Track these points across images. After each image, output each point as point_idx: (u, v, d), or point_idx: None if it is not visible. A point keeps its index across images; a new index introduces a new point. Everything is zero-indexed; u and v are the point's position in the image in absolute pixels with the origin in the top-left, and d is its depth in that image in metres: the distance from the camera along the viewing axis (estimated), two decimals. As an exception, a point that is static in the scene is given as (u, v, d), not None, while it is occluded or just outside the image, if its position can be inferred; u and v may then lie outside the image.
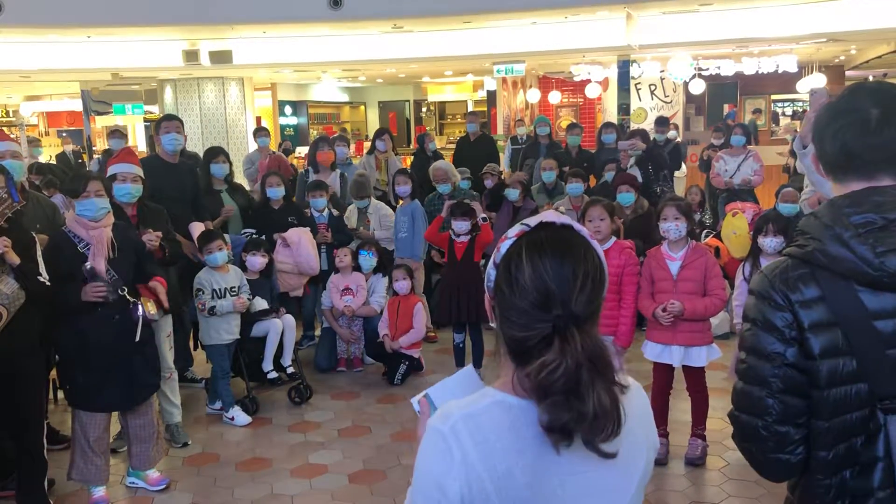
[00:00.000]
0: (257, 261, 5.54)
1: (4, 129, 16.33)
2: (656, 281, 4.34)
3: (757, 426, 1.52)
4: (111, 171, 4.50)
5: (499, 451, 1.20)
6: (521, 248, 1.27)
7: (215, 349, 5.15)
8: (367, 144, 10.01)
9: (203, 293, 5.04)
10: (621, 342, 4.44)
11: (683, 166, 10.60)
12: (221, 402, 5.18)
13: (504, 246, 1.29)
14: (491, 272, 1.30)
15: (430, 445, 1.24)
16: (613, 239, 4.59)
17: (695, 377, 4.34)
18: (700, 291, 4.25)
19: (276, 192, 6.21)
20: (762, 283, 1.56)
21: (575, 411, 1.17)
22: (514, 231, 1.30)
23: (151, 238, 4.35)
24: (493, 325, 1.36)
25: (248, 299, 5.22)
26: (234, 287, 5.15)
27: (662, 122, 9.54)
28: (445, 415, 1.24)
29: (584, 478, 1.25)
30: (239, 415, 5.12)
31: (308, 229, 6.14)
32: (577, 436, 1.19)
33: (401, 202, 6.67)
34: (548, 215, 1.32)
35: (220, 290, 5.07)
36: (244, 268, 5.44)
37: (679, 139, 10.92)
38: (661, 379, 4.41)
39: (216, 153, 6.20)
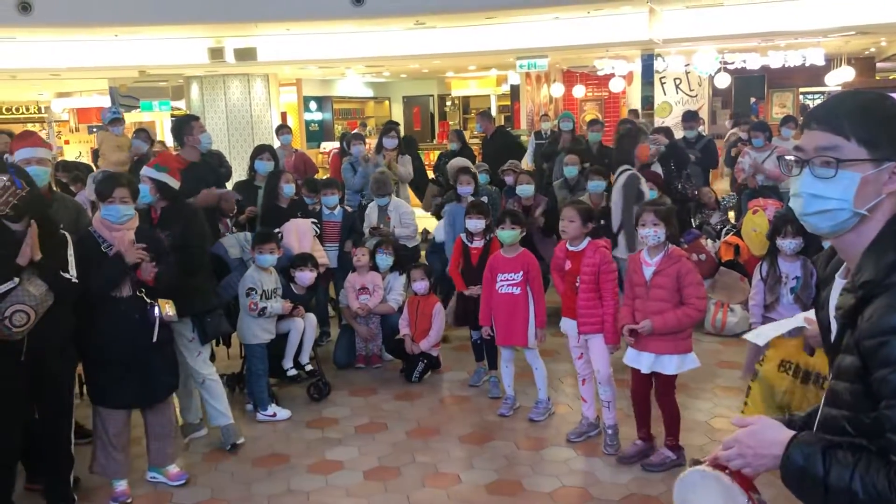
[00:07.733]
0: (306, 276, 5.52)
1: (36, 125, 16.44)
2: (634, 286, 4.21)
3: None
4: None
5: None
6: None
7: (257, 349, 5.16)
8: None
9: (255, 293, 5.09)
10: (609, 340, 4.41)
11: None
12: (255, 400, 5.18)
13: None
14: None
15: None
16: (588, 240, 4.49)
17: (661, 384, 4.21)
18: (673, 299, 4.07)
19: (289, 188, 6.26)
20: None
21: None
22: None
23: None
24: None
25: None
26: (276, 289, 5.22)
27: (690, 118, 9.09)
28: None
29: None
30: (279, 410, 5.17)
31: (309, 220, 6.16)
32: None
33: (463, 200, 6.49)
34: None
35: (268, 291, 5.13)
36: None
37: (705, 132, 10.77)
38: (635, 383, 4.31)
39: (263, 150, 6.47)
